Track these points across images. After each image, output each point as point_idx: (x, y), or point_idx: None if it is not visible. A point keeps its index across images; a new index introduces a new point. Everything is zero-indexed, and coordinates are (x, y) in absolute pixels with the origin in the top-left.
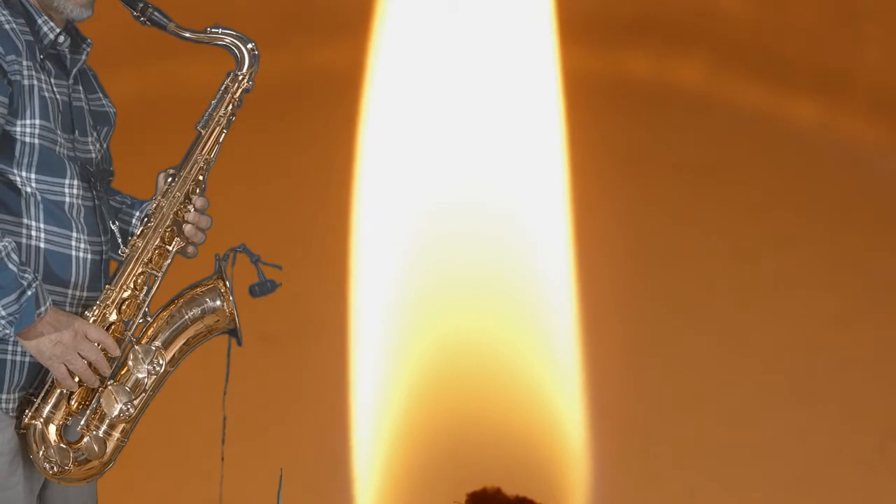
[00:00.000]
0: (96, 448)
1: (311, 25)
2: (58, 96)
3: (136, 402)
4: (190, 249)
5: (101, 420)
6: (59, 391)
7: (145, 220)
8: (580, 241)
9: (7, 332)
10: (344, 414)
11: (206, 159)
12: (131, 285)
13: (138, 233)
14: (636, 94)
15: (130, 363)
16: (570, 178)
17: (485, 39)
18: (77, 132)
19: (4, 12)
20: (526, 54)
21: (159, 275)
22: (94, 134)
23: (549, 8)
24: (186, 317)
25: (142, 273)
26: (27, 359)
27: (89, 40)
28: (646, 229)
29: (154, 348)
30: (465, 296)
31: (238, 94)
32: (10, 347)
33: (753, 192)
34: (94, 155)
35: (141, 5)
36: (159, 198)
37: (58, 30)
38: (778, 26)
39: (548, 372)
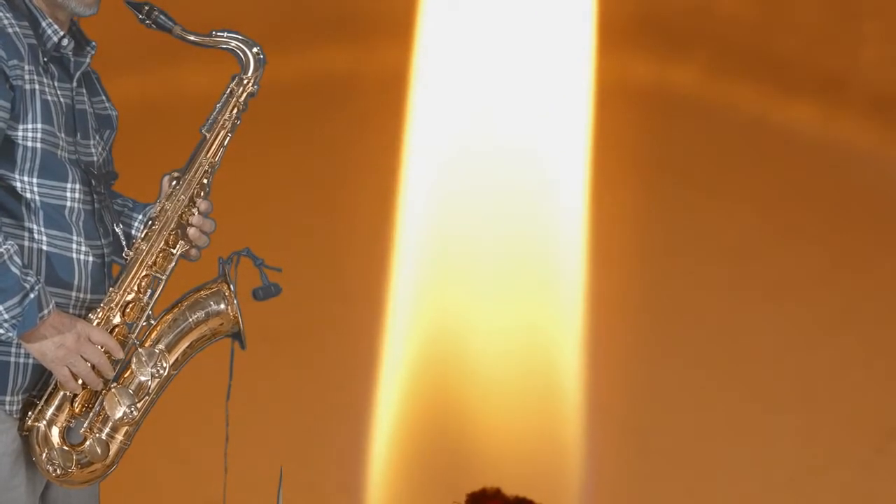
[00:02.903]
0: (99, 450)
1: (316, 28)
2: (61, 99)
3: (139, 405)
4: (193, 253)
5: (104, 423)
6: (62, 393)
7: (149, 223)
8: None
9: (10, 334)
10: (345, 415)
11: (211, 163)
12: (135, 288)
13: (142, 236)
14: (635, 95)
15: (134, 366)
16: (590, 177)
17: (493, 42)
18: (79, 135)
19: (7, 15)
20: (550, 58)
21: (163, 278)
22: (97, 137)
23: (548, 8)
24: (190, 320)
25: (146, 276)
26: (30, 361)
27: (93, 43)
28: (644, 229)
29: (157, 351)
30: (467, 302)
31: (243, 98)
32: (13, 350)
33: (752, 192)
34: (95, 158)
35: (146, 8)
36: (163, 201)
37: (61, 32)
38: (778, 26)
39: (548, 374)
